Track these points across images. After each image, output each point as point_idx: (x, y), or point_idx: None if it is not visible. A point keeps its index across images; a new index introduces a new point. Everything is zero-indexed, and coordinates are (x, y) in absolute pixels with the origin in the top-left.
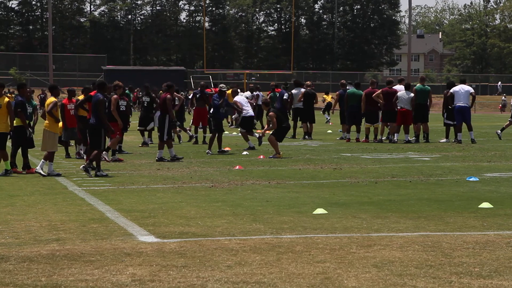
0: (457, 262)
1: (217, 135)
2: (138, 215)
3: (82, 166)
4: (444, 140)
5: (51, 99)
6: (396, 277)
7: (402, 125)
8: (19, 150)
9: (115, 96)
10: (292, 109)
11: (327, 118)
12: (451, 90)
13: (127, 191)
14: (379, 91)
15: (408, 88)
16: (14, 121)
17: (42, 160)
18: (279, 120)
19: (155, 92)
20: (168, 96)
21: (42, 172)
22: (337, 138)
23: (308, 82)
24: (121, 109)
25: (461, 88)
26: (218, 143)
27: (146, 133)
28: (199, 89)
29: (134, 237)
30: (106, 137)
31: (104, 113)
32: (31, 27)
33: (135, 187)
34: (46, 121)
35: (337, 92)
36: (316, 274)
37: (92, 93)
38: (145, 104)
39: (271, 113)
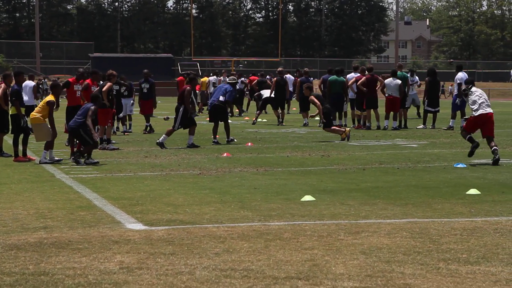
0: (445, 248)
1: (224, 124)
2: (125, 202)
3: (71, 157)
4: (422, 126)
5: (50, 98)
6: (384, 263)
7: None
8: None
9: (109, 83)
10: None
11: None
12: (459, 78)
13: (114, 178)
14: (363, 78)
15: (394, 75)
16: (10, 110)
17: (44, 151)
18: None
19: (124, 79)
20: (188, 88)
21: (48, 160)
22: (301, 125)
23: (305, 69)
24: (114, 93)
25: (465, 76)
26: (226, 132)
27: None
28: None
29: (122, 225)
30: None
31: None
32: (17, 14)
33: (122, 175)
34: (34, 113)
35: (298, 80)
36: (304, 261)
37: (88, 81)
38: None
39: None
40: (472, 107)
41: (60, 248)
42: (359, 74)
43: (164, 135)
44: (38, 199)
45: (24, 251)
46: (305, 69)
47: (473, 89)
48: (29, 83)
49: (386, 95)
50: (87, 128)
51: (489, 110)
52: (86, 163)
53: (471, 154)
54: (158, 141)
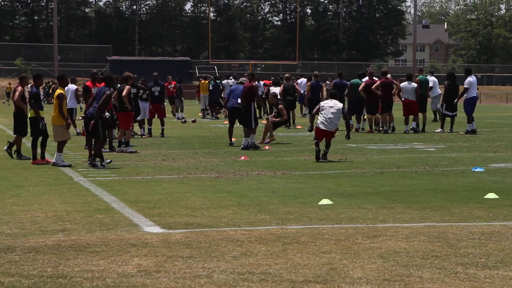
0: (463, 252)
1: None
2: (143, 205)
3: (88, 163)
4: (439, 130)
5: (58, 91)
6: (402, 267)
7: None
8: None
9: (127, 86)
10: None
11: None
12: (467, 83)
13: (132, 181)
14: (378, 82)
15: (410, 78)
16: (29, 113)
17: (57, 153)
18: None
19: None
20: (255, 84)
21: (66, 163)
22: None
23: (315, 72)
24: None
25: (474, 80)
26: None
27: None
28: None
29: (140, 228)
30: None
31: (105, 107)
32: (36, 17)
33: (140, 178)
34: (53, 113)
35: (309, 83)
36: (322, 265)
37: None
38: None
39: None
40: None
41: (78, 251)
42: (367, 78)
43: (244, 139)
44: (56, 201)
45: (42, 253)
46: (315, 72)
47: None
48: (71, 87)
49: (403, 99)
50: (103, 119)
51: None
52: (103, 165)
53: None
54: (242, 146)
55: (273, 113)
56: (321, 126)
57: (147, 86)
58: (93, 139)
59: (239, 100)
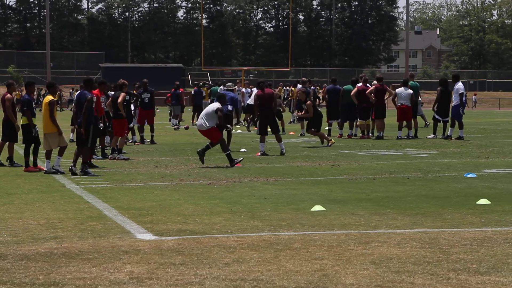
0: (455, 258)
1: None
2: (135, 212)
3: (79, 171)
4: (432, 136)
5: (49, 98)
6: (394, 274)
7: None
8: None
9: (123, 93)
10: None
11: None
12: (462, 88)
13: (124, 188)
14: (372, 87)
15: (406, 84)
16: (21, 120)
17: (58, 157)
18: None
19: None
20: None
21: (60, 170)
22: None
23: (303, 78)
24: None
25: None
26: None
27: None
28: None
29: (132, 235)
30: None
31: (91, 111)
32: (28, 24)
33: (132, 185)
34: (43, 123)
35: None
36: (314, 271)
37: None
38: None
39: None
40: None
41: (70, 258)
42: (361, 84)
43: (280, 144)
44: (49, 209)
45: (34, 261)
46: (303, 78)
47: None
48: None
49: (399, 104)
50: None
51: None
52: (86, 171)
53: None
54: (282, 151)
55: (303, 111)
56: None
57: (138, 92)
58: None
59: (229, 107)
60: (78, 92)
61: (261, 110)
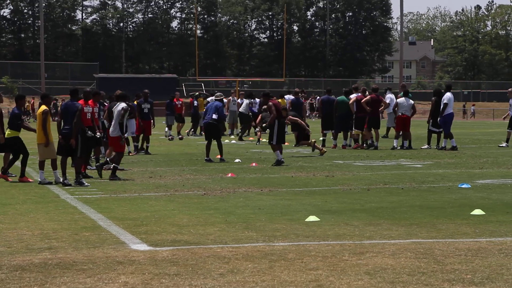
0: (449, 269)
1: (217, 143)
2: (130, 223)
3: (74, 182)
4: (426, 146)
5: (42, 108)
6: (389, 284)
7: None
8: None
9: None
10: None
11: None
12: (447, 98)
13: (119, 199)
14: (368, 97)
15: (406, 94)
16: (9, 132)
17: (53, 172)
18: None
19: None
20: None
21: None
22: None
23: (296, 89)
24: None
25: (452, 97)
26: (219, 150)
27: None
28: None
29: (127, 245)
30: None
31: (80, 122)
32: (23, 35)
33: (127, 195)
34: (36, 133)
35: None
36: (309, 282)
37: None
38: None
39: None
40: None
41: (64, 268)
42: (360, 94)
43: (276, 152)
44: (43, 219)
45: (28, 271)
46: (296, 89)
47: None
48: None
49: (400, 113)
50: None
51: None
52: (78, 182)
53: None
54: (281, 160)
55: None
56: None
57: (138, 102)
58: (70, 157)
59: (214, 116)
60: (63, 102)
61: (278, 120)
